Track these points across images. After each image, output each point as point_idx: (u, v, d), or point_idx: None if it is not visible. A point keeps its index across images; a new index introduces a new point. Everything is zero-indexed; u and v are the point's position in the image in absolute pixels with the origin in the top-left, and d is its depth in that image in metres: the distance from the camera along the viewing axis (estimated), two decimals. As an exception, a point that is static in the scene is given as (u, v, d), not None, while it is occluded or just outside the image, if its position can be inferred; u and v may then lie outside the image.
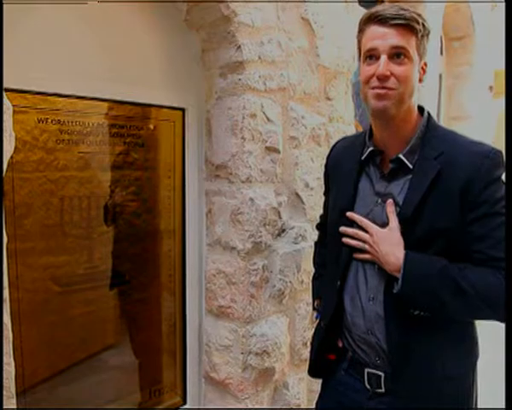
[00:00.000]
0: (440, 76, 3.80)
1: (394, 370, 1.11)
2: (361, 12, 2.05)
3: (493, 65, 4.21)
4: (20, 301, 1.44)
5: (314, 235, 1.92)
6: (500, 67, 4.11)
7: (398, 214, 1.09)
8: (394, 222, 1.08)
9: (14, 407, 1.13)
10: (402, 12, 1.02)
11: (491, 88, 4.26)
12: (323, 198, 1.45)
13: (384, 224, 1.11)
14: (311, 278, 1.69)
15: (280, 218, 1.79)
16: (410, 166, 1.09)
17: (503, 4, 1.15)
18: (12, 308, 1.22)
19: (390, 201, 1.09)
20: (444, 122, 3.99)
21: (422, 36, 1.06)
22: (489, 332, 1.04)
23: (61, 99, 1.48)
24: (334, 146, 1.41)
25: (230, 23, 1.58)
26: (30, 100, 1.42)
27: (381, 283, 1.12)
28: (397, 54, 1.03)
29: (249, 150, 1.65)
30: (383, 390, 1.14)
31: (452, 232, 1.04)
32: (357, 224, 1.16)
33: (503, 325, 0.99)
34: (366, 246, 1.12)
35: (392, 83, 1.04)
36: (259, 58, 1.66)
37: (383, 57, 1.03)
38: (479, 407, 1.19)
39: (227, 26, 1.59)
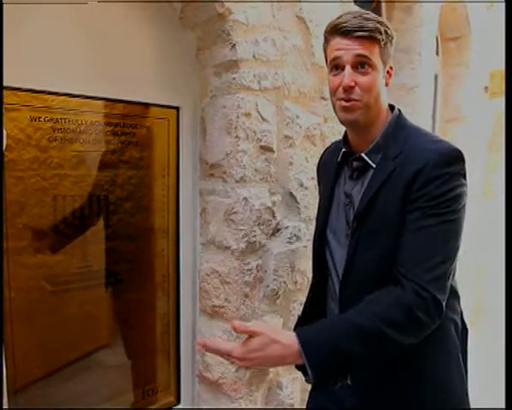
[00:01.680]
0: (436, 77, 3.79)
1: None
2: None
3: (488, 66, 4.21)
4: (12, 301, 1.43)
5: (309, 235, 1.92)
6: (495, 68, 4.12)
7: (356, 212, 1.12)
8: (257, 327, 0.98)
9: (6, 406, 1.13)
10: (365, 23, 1.06)
11: (486, 89, 4.27)
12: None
13: (348, 223, 1.15)
14: (306, 278, 1.69)
15: (274, 217, 1.78)
16: (373, 166, 1.12)
17: (500, 4, 1.16)
18: (4, 308, 1.21)
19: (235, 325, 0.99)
20: (439, 124, 4.00)
21: (385, 43, 1.10)
22: (488, 333, 1.03)
23: (53, 97, 1.47)
24: (324, 151, 1.47)
25: (225, 21, 1.57)
26: (22, 98, 1.40)
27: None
28: (361, 64, 1.07)
29: (243, 149, 1.65)
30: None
31: (399, 226, 1.04)
32: (330, 245, 1.22)
33: (502, 326, 0.99)
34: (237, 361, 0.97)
35: (356, 94, 1.08)
36: (254, 57, 1.65)
37: (348, 68, 1.08)
38: (479, 407, 1.18)
39: (222, 25, 1.59)
